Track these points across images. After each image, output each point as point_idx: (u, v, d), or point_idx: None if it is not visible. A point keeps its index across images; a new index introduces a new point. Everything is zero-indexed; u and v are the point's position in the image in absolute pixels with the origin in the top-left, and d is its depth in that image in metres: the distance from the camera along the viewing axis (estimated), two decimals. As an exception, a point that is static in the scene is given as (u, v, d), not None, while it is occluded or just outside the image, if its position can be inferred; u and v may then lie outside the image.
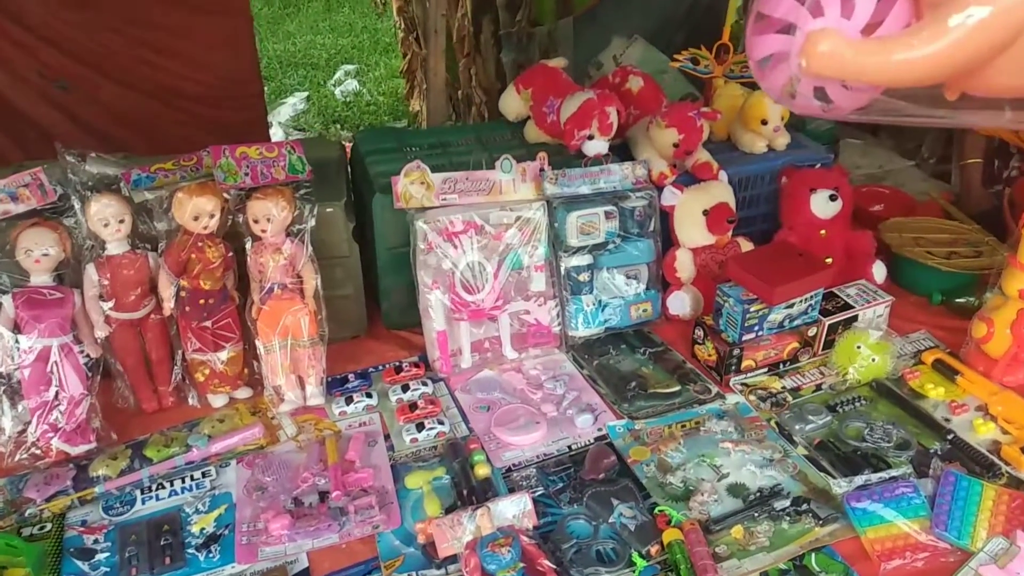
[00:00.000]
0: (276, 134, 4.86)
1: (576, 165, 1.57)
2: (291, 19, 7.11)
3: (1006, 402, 1.39)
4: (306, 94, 5.58)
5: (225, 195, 1.33)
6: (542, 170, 1.52)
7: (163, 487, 1.26)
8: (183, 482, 1.27)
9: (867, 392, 1.45)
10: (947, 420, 1.38)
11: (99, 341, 1.34)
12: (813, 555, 1.13)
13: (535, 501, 1.20)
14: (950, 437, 1.33)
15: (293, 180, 1.36)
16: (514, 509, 1.17)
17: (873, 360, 1.45)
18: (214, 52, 2.70)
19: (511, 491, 1.25)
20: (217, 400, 1.43)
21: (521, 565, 1.07)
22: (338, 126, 5.21)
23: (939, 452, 1.30)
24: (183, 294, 1.36)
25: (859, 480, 1.22)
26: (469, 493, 1.23)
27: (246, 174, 1.32)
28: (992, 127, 1.95)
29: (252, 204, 1.33)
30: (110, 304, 1.33)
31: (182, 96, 2.70)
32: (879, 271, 1.69)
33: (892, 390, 1.45)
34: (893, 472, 1.24)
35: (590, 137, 1.56)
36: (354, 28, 6.97)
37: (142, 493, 1.25)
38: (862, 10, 0.88)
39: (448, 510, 1.21)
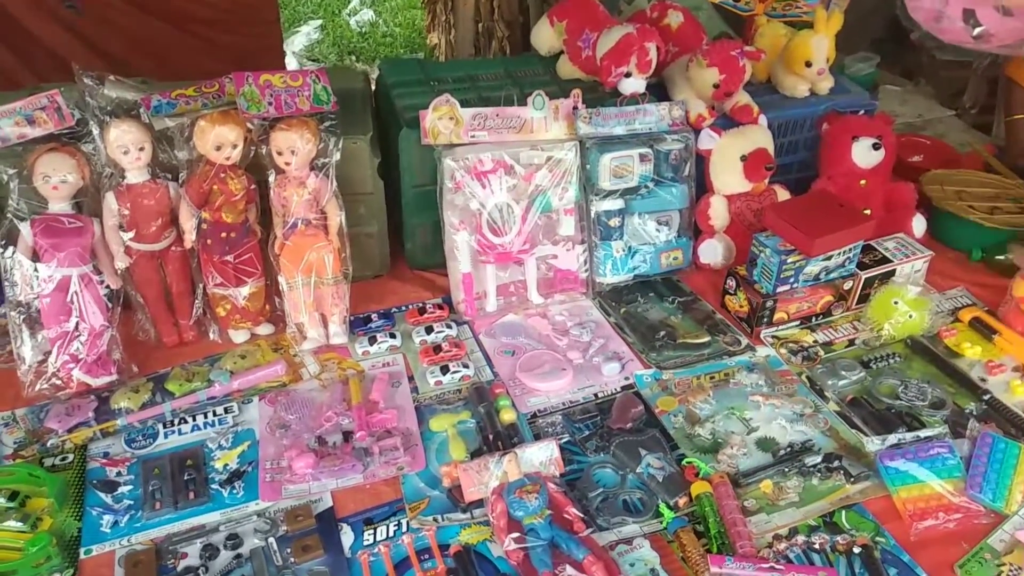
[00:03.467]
0: (290, 64, 4.72)
1: (610, 104, 1.50)
2: (306, -58, 6.87)
3: (1045, 364, 1.36)
4: (320, 23, 5.42)
5: (248, 125, 1.28)
6: (575, 108, 1.46)
7: (185, 422, 1.25)
8: (205, 417, 1.26)
9: (902, 349, 1.42)
10: (983, 380, 1.35)
11: (119, 272, 1.30)
12: (843, 512, 1.11)
13: (560, 448, 1.18)
14: (986, 398, 1.30)
15: (318, 111, 1.31)
16: (541, 456, 1.15)
17: (910, 316, 1.41)
18: (229, -26, 2.62)
19: (536, 437, 1.23)
20: (238, 336, 1.41)
21: (548, 512, 1.05)
22: (353, 57, 5.07)
23: (975, 413, 1.27)
24: (204, 226, 1.32)
25: (893, 439, 1.20)
26: (494, 438, 1.22)
27: (270, 103, 1.27)
28: None
29: (276, 135, 1.28)
30: (130, 235, 1.29)
31: (196, 20, 2.62)
32: (919, 225, 1.63)
33: (928, 348, 1.41)
34: (928, 432, 1.21)
35: (627, 74, 1.48)
36: (371, -46, 6.73)
37: (164, 427, 1.24)
38: None
39: (473, 454, 1.19)
